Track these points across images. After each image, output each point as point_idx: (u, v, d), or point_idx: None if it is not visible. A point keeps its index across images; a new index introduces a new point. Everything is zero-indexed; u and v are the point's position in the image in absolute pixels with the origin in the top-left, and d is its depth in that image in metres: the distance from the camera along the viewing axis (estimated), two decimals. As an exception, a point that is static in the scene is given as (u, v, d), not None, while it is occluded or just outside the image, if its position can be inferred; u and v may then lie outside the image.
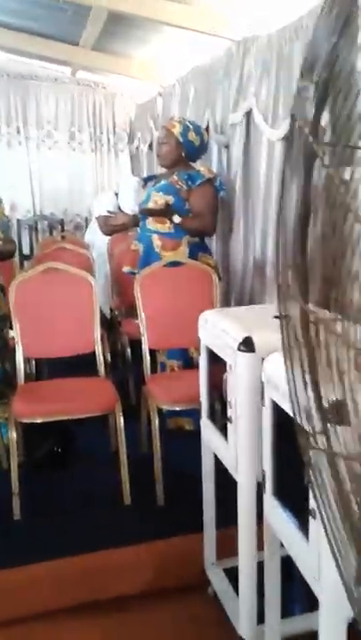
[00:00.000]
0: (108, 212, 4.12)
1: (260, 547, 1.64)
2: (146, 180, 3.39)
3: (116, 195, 4.55)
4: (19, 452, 2.47)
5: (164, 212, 3.03)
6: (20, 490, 2.36)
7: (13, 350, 2.97)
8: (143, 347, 2.76)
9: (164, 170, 3.25)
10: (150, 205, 3.09)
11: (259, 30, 2.95)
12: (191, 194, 3.04)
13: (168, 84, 4.52)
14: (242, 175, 3.20)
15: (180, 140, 3.07)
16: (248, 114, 3.08)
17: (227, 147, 3.41)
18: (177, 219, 3.02)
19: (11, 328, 3.01)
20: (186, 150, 3.11)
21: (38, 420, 2.40)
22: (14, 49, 5.27)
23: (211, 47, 3.66)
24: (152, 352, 2.84)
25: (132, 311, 3.23)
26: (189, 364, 3.03)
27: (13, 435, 2.39)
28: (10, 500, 2.36)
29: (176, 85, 4.21)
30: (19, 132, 5.76)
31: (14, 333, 2.75)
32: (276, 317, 1.84)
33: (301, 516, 1.34)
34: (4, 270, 3.30)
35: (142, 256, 3.14)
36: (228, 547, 1.84)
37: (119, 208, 4.39)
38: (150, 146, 5.25)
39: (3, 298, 2.98)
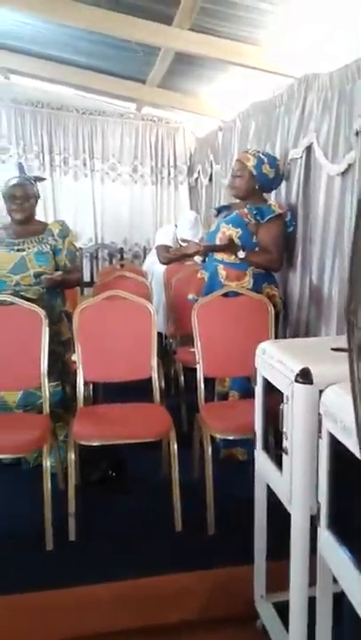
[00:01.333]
0: (166, 246, 4.24)
1: (312, 582, 1.62)
2: (219, 211, 3.47)
3: (176, 226, 4.69)
4: (75, 474, 2.54)
5: (229, 248, 3.10)
6: (75, 511, 2.42)
7: (74, 374, 3.08)
8: (198, 374, 2.81)
9: (237, 200, 3.32)
10: (219, 236, 3.17)
11: (320, 68, 3.02)
12: (260, 228, 3.09)
13: (228, 118, 4.64)
14: (300, 208, 3.23)
15: (254, 172, 3.14)
16: (308, 149, 3.13)
17: (286, 179, 3.46)
18: (241, 254, 3.07)
19: (73, 352, 3.13)
20: (259, 183, 3.17)
21: (95, 443, 2.47)
22: (84, 86, 5.55)
23: (270, 83, 3.75)
24: (206, 380, 2.88)
25: (187, 339, 3.29)
26: (250, 394, 3.04)
27: (72, 456, 2.46)
28: (65, 520, 2.42)
29: (237, 120, 4.32)
30: (85, 164, 6.01)
31: (76, 357, 2.85)
32: (335, 350, 1.85)
33: (358, 551, 1.33)
34: (68, 297, 3.43)
35: (207, 284, 3.21)
36: (278, 580, 1.83)
37: (177, 240, 4.51)
38: (210, 178, 5.37)
39: (67, 324, 3.10)
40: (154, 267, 4.68)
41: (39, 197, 3.18)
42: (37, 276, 2.93)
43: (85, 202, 6.06)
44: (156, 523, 2.54)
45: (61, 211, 5.79)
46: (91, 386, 3.47)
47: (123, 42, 3.84)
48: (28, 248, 2.99)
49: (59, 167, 5.96)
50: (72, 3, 3.39)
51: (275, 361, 1.78)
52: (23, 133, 5.80)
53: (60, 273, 2.93)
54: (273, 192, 3.49)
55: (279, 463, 1.74)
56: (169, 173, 6.23)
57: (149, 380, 2.79)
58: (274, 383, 1.79)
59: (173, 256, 4.26)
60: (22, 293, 2.88)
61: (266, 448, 1.97)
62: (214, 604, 2.10)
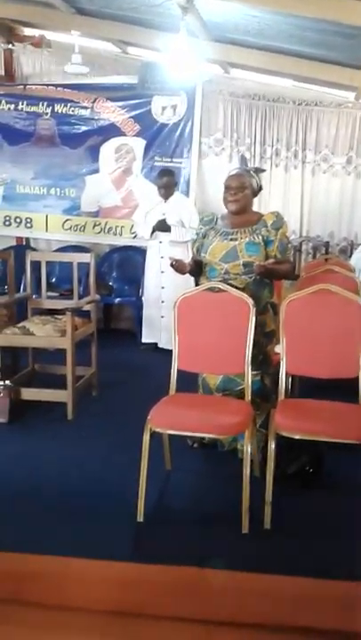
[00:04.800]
0: None
1: None
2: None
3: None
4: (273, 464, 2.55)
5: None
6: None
7: (274, 366, 3.09)
8: None
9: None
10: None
11: None
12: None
13: None
14: None
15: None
16: None
17: None
18: None
19: (276, 344, 3.15)
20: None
21: (297, 436, 2.46)
22: (304, 77, 5.48)
23: None
24: None
25: None
26: None
27: (272, 446, 2.48)
28: (259, 506, 2.45)
29: None
30: (296, 156, 5.95)
31: (280, 349, 2.85)
32: None
33: None
34: (276, 289, 3.44)
35: None
36: None
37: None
38: None
39: (273, 316, 3.11)
40: (361, 262, 4.48)
41: (260, 189, 3.22)
42: (246, 265, 2.99)
43: (294, 194, 5.99)
44: (344, 526, 2.45)
45: (270, 203, 5.81)
46: (290, 379, 3.45)
47: (353, 29, 3.69)
48: (241, 238, 3.05)
49: (270, 159, 5.96)
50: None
51: None
52: (237, 126, 5.92)
53: (272, 261, 2.94)
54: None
55: None
56: (387, 165, 5.87)
57: (352, 379, 2.68)
58: None
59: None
60: (230, 282, 2.95)
61: None
62: None
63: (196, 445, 3.21)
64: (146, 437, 2.49)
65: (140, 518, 2.48)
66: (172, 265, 3.11)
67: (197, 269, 3.16)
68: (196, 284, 3.16)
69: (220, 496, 2.71)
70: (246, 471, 2.43)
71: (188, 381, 2.98)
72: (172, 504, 2.72)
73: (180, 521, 2.56)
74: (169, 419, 2.53)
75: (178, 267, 3.10)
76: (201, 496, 2.76)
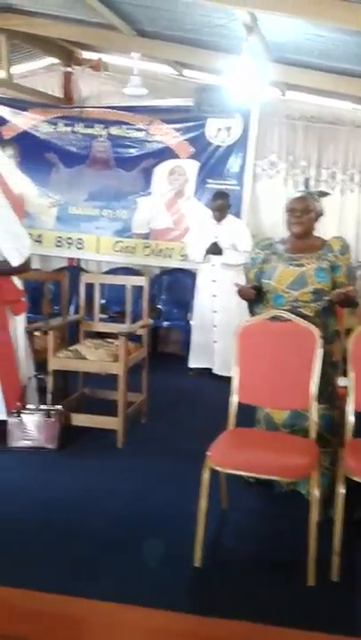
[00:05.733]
0: None
1: None
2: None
3: None
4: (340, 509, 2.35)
5: None
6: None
7: (340, 398, 2.90)
8: None
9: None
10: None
11: None
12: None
13: None
14: None
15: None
16: None
17: None
18: None
19: (341, 375, 2.96)
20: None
21: (369, 482, 2.26)
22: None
23: None
24: None
25: None
26: None
27: (341, 490, 2.29)
28: (325, 554, 2.25)
29: None
30: (352, 179, 5.77)
31: (347, 382, 2.67)
32: None
33: None
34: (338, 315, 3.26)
35: None
36: None
37: None
38: None
39: (339, 344, 2.94)
40: None
41: (322, 214, 3.08)
42: (316, 292, 2.83)
43: (350, 218, 5.80)
44: None
45: (326, 226, 5.63)
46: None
47: None
48: (308, 263, 2.89)
49: (325, 182, 5.81)
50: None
51: None
52: (293, 148, 5.80)
53: (350, 288, 2.78)
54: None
55: None
56: None
57: None
58: None
59: None
60: (300, 310, 2.80)
61: None
62: None
63: (252, 481, 3.03)
64: (205, 476, 2.33)
65: (197, 563, 2.31)
66: (238, 291, 2.99)
67: (256, 296, 3.03)
68: (251, 310, 3.03)
69: (282, 541, 2.53)
70: (313, 518, 2.24)
71: (244, 412, 2.80)
72: (230, 548, 2.55)
73: (239, 567, 2.38)
74: (230, 457, 2.37)
75: (244, 292, 2.98)
76: (261, 540, 2.58)
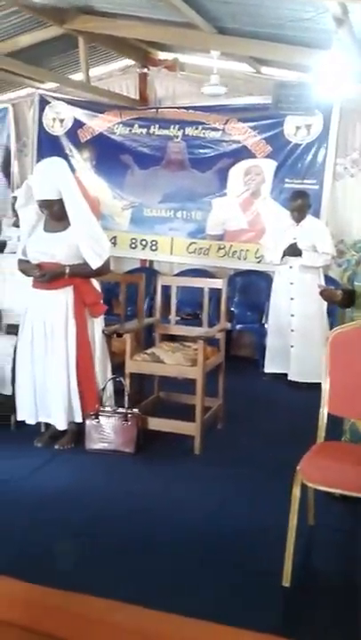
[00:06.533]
0: None
1: None
2: None
3: None
4: None
5: None
6: None
7: None
8: None
9: None
10: None
11: None
12: None
13: None
14: None
15: None
16: None
17: None
18: None
19: None
20: None
21: None
22: None
23: None
24: None
25: None
26: None
27: None
28: None
29: None
30: None
31: None
32: None
33: None
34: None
35: None
36: None
37: None
38: None
39: None
40: None
41: None
42: None
43: None
44: None
45: None
46: None
47: None
48: None
49: None
50: None
51: None
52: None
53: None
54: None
55: None
56: None
57: None
58: None
59: None
60: None
61: None
62: None
63: (337, 495, 2.87)
64: (296, 492, 2.21)
65: (287, 583, 2.19)
66: (321, 293, 2.86)
67: (348, 300, 2.87)
68: (330, 314, 2.88)
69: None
70: None
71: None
72: (320, 568, 2.41)
73: (330, 589, 2.24)
74: (323, 473, 2.24)
75: (328, 295, 2.84)
76: (352, 560, 2.42)
